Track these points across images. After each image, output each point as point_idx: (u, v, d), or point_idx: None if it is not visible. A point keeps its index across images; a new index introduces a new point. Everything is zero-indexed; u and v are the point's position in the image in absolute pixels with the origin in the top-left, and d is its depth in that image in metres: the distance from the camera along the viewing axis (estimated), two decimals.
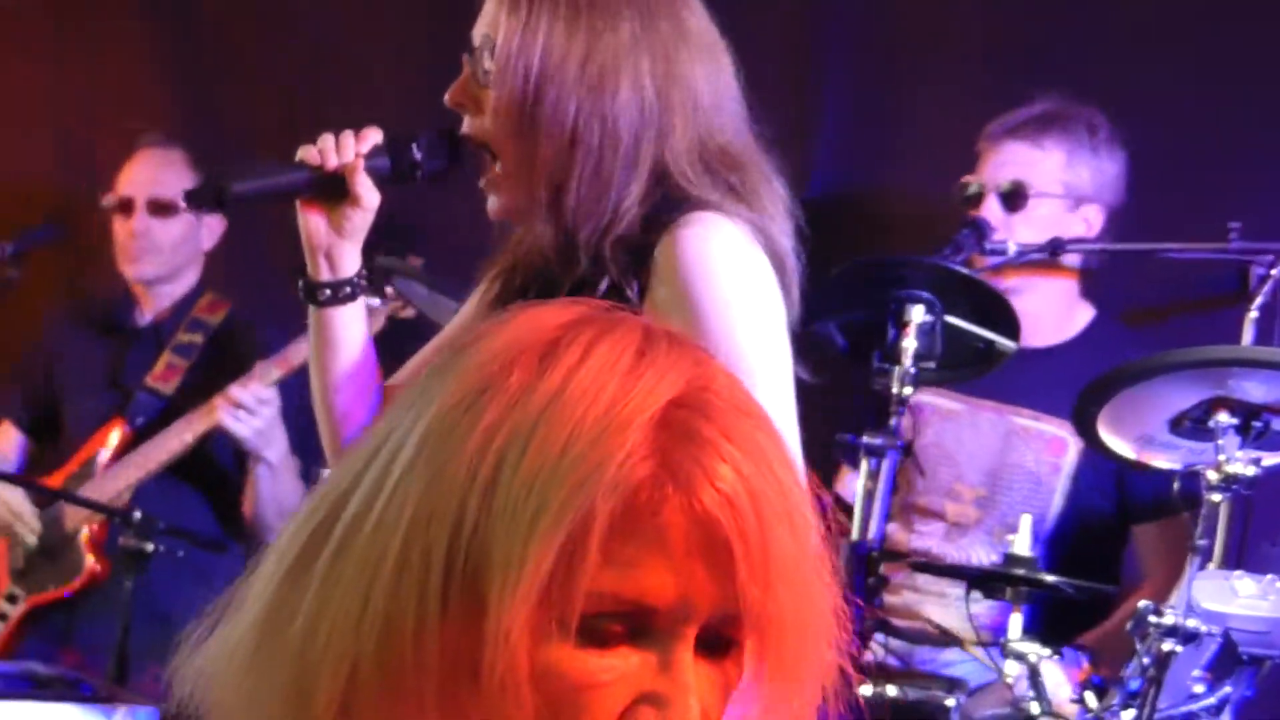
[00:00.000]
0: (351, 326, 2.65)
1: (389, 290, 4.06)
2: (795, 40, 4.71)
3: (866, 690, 3.63)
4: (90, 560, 4.66)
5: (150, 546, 4.23)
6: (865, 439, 3.59)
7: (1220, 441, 3.37)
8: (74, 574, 4.67)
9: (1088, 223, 4.15)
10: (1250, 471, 3.36)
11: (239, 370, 4.55)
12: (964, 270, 3.80)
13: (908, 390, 3.62)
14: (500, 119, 2.51)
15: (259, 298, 4.83)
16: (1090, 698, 3.38)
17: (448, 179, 2.63)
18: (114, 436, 4.72)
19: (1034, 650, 3.46)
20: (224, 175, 2.60)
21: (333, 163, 2.57)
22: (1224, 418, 3.39)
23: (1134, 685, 3.26)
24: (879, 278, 3.74)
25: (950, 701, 3.69)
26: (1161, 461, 3.56)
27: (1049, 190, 4.12)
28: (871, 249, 4.19)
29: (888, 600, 4.06)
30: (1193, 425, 3.45)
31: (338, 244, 2.61)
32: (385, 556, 1.15)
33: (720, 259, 2.42)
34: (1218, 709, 3.27)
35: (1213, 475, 3.36)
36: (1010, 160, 4.15)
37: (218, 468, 4.68)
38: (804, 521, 1.18)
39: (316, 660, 1.15)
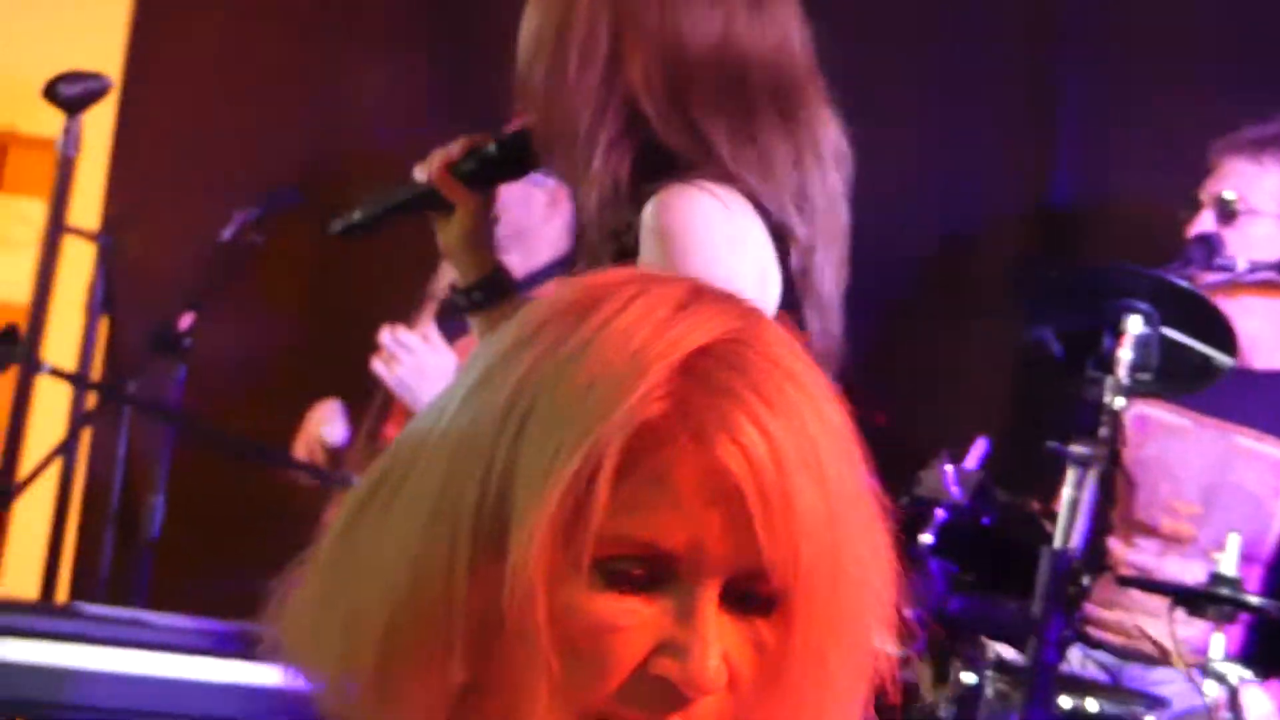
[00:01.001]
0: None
1: None
2: (1033, 50, 4.67)
3: (1066, 702, 3.59)
4: None
5: None
6: (1073, 448, 3.55)
7: None
8: None
9: None
10: None
11: None
12: (1183, 283, 3.73)
13: (1119, 401, 3.57)
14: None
15: None
16: None
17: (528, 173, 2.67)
18: None
19: (1236, 673, 3.40)
20: (355, 204, 2.71)
21: (424, 176, 2.63)
22: None
23: None
24: (1097, 286, 3.70)
25: (1150, 719, 3.64)
26: None
27: (1265, 208, 4.05)
28: (1096, 256, 4.14)
29: (1100, 615, 4.02)
30: None
31: (462, 250, 2.64)
32: (423, 503, 1.17)
33: (689, 234, 2.37)
34: None
35: None
36: (1229, 175, 4.08)
37: None
38: (842, 486, 1.16)
39: (363, 601, 1.18)
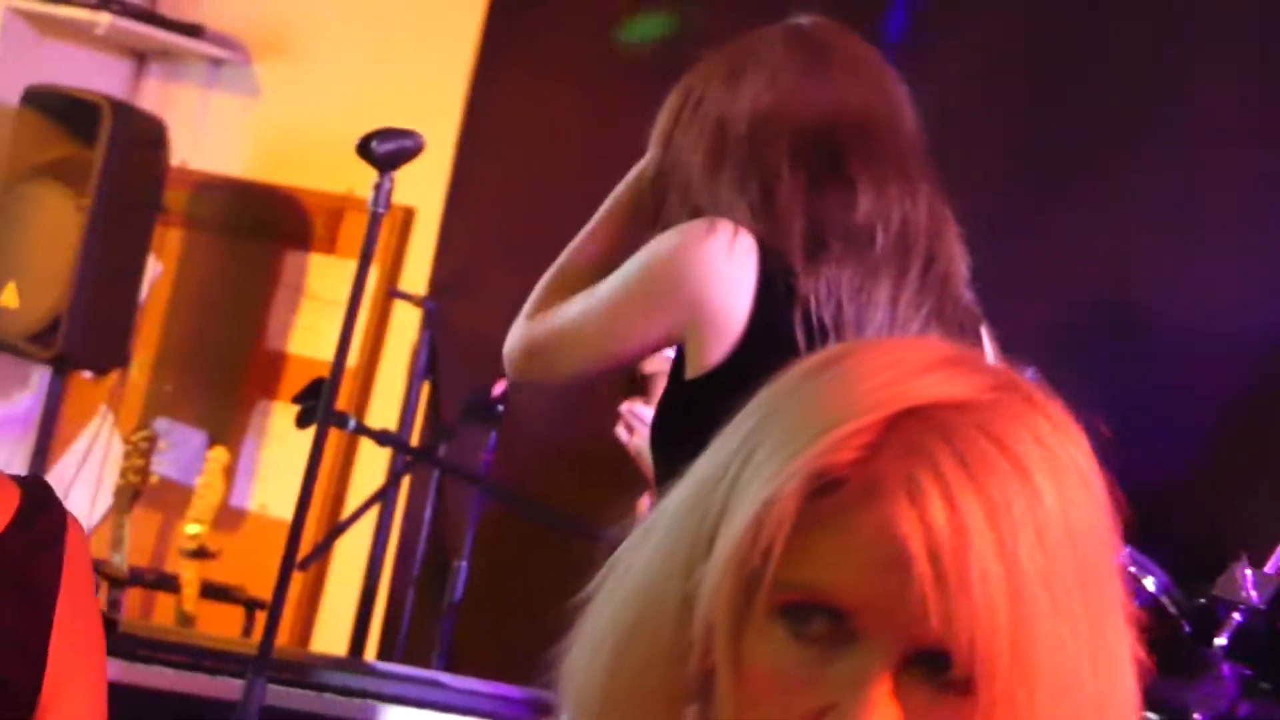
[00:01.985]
0: None
1: None
2: None
3: None
4: None
5: None
6: None
7: None
8: None
9: None
10: None
11: None
12: None
13: None
14: None
15: None
16: None
17: None
18: None
19: None
20: None
21: None
22: None
23: None
24: None
25: None
26: None
27: None
28: None
29: None
30: None
31: None
32: (661, 544, 1.17)
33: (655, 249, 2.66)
34: None
35: None
36: None
37: None
38: (1049, 578, 1.08)
39: (597, 640, 1.19)
